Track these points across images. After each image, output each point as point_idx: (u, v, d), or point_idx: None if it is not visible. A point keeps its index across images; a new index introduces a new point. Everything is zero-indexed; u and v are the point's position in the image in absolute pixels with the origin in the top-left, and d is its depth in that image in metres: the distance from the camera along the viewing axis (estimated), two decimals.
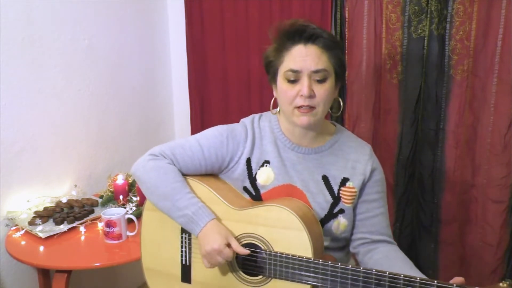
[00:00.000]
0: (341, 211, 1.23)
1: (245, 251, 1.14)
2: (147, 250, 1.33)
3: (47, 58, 1.83)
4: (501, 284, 0.95)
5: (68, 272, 1.51)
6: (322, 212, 1.23)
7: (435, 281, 0.98)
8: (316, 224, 1.18)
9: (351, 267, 1.06)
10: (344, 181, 1.24)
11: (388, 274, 1.02)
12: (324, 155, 1.26)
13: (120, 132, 2.23)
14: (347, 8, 1.94)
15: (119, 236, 1.59)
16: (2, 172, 1.70)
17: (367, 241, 1.26)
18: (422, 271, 2.10)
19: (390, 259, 1.21)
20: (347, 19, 1.95)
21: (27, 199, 1.79)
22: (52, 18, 1.83)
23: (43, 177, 1.86)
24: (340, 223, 1.24)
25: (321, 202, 1.23)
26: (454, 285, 0.96)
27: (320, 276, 1.09)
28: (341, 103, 1.25)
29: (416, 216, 2.01)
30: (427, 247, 2.01)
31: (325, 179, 1.24)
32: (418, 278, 0.99)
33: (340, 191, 1.24)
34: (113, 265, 1.59)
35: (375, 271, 1.03)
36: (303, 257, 1.10)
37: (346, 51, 1.98)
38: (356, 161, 1.26)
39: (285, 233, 1.13)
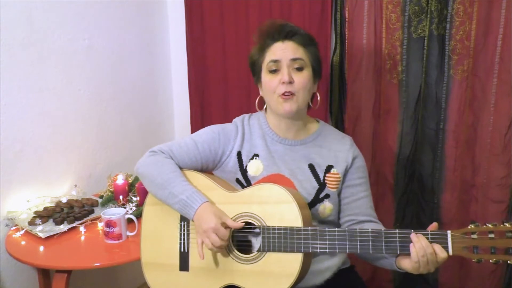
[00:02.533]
0: (327, 196, 1.34)
1: (239, 224, 1.23)
2: (146, 244, 1.38)
3: (47, 58, 1.83)
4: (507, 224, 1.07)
5: (68, 272, 1.51)
6: (309, 197, 1.32)
7: (412, 230, 1.12)
8: (302, 198, 1.28)
9: (337, 229, 1.19)
10: (329, 168, 1.35)
11: (371, 230, 1.16)
12: (309, 146, 1.38)
13: (120, 132, 2.23)
14: (347, 8, 1.94)
15: (119, 236, 1.59)
16: (2, 172, 1.70)
17: (354, 222, 1.36)
18: None
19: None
20: (347, 19, 1.95)
21: (27, 199, 1.79)
22: (52, 18, 1.83)
23: (43, 177, 1.86)
24: (326, 207, 1.33)
25: (308, 188, 1.33)
26: (429, 231, 1.12)
27: (310, 242, 1.18)
28: (319, 98, 1.39)
29: (416, 216, 2.01)
30: None
31: (311, 167, 1.35)
32: (397, 230, 1.14)
33: (326, 177, 1.34)
34: (113, 265, 1.59)
35: (358, 229, 1.17)
36: (293, 227, 1.19)
37: (346, 51, 1.98)
38: (338, 150, 1.38)
39: (277, 207, 1.22)
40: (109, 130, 2.16)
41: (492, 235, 1.07)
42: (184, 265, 1.32)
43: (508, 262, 1.06)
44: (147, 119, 2.39)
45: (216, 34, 2.24)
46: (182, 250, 1.32)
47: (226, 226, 1.22)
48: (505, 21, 1.72)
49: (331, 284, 1.33)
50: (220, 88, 2.30)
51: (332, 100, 2.06)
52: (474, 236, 1.08)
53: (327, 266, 1.32)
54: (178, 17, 2.36)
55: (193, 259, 1.31)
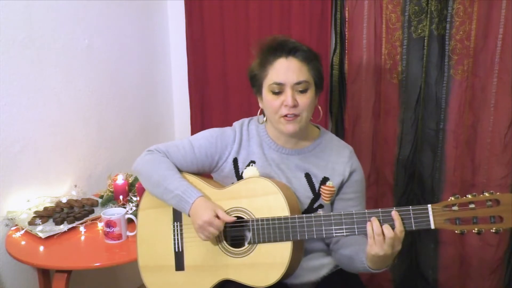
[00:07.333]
0: (320, 206, 1.34)
1: (232, 218, 1.24)
2: (143, 248, 1.39)
3: (47, 58, 1.83)
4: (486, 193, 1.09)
5: (68, 272, 1.51)
6: (303, 206, 1.33)
7: (379, 209, 1.16)
8: (289, 188, 1.31)
9: (322, 214, 1.21)
10: (324, 180, 1.34)
11: (355, 212, 1.18)
12: (307, 156, 1.36)
13: (120, 132, 2.23)
14: (347, 8, 1.94)
15: (119, 236, 1.59)
16: (2, 172, 1.70)
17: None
18: (422, 270, 2.11)
19: (353, 240, 1.29)
20: (347, 19, 1.95)
21: (27, 199, 1.79)
22: (52, 18, 1.83)
23: (43, 177, 1.86)
24: None
25: (302, 197, 1.33)
26: (410, 207, 1.15)
27: (298, 229, 1.21)
28: (321, 112, 1.38)
29: None
30: (427, 247, 2.01)
31: (308, 176, 1.35)
32: (366, 211, 1.17)
33: (320, 189, 1.34)
34: (113, 265, 1.59)
35: (343, 213, 1.19)
36: (281, 217, 1.22)
37: (346, 51, 1.98)
38: (335, 162, 1.36)
39: (264, 199, 1.25)
40: (109, 130, 2.16)
41: (472, 206, 1.09)
42: (179, 265, 1.33)
43: (491, 230, 1.08)
44: (147, 119, 2.39)
45: (216, 34, 2.24)
46: (176, 250, 1.34)
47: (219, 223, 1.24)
48: (505, 21, 1.72)
49: (327, 281, 1.34)
50: (220, 88, 2.30)
51: (332, 100, 2.06)
52: (455, 208, 1.10)
53: (323, 263, 1.34)
54: (178, 17, 2.36)
55: (188, 258, 1.33)
